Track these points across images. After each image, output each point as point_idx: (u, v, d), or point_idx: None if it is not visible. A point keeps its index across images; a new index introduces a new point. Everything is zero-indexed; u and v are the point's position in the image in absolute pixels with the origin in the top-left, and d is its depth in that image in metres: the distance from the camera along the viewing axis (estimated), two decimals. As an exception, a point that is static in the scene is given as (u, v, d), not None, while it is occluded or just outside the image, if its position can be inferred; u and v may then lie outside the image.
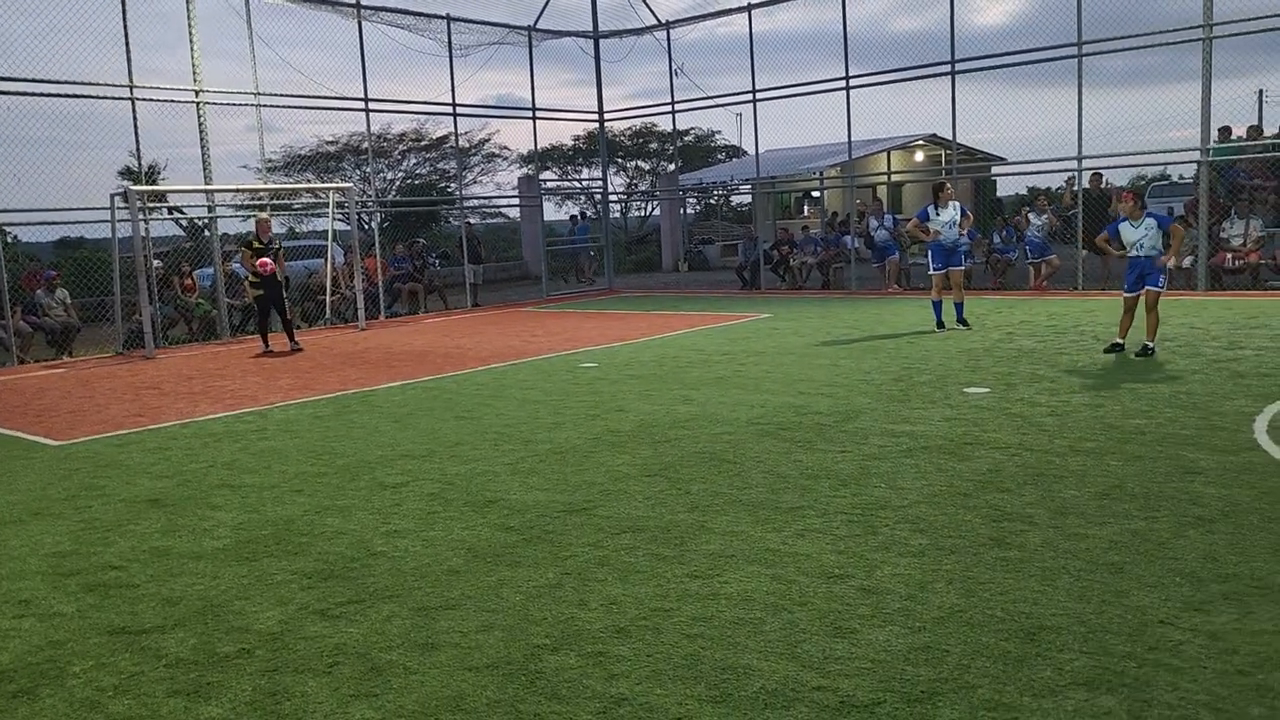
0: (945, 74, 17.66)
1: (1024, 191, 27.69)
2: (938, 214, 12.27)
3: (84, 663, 3.85)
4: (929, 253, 12.51)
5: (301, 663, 3.74)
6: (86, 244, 23.58)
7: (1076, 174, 16.78)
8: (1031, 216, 17.21)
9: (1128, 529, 4.73)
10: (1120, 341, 9.92)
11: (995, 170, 23.83)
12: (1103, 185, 17.04)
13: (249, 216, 20.32)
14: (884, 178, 24.76)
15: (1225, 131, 16.11)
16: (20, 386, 11.88)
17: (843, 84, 19.00)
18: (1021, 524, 4.87)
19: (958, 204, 12.45)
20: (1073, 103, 16.16)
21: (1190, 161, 15.86)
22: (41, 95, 14.48)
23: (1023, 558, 4.42)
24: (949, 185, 12.52)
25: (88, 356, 14.77)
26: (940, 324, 12.39)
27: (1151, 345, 9.64)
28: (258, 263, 13.46)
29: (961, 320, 12.42)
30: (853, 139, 19.32)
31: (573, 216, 29.48)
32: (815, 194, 28.14)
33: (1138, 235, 9.77)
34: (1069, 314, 13.46)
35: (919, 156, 28.64)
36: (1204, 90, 15.02)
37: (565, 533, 5.11)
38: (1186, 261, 15.61)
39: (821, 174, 24.39)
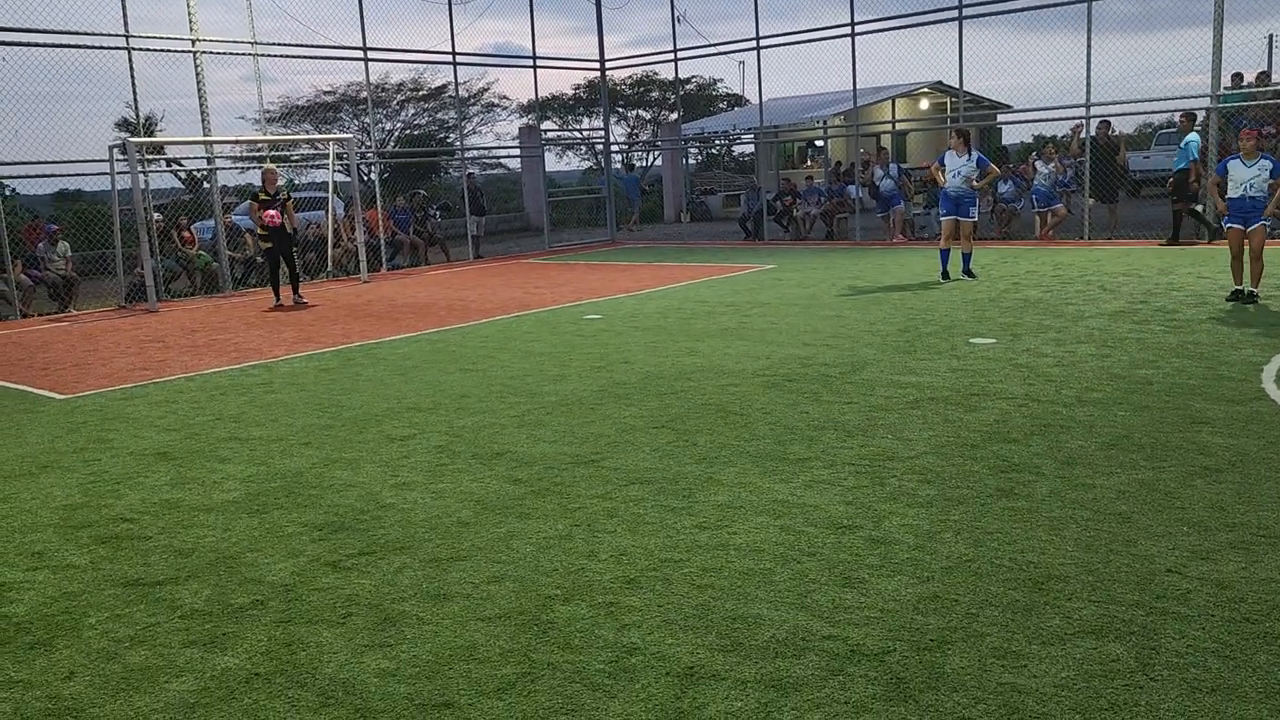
0: (952, 19, 17.41)
1: (1029, 140, 27.45)
2: (951, 161, 12.36)
3: (99, 614, 3.88)
4: (939, 198, 12.69)
5: (314, 613, 3.77)
6: (85, 197, 23.43)
7: (1085, 121, 16.60)
8: (1039, 165, 17.07)
9: (1135, 479, 4.74)
10: (1240, 288, 9.64)
11: (1001, 118, 23.57)
12: (1110, 133, 16.85)
13: (248, 168, 20.21)
14: (889, 126, 24.50)
15: (1237, 78, 15.89)
16: (24, 340, 11.87)
17: (848, 30, 18.73)
18: (1029, 474, 4.89)
19: (975, 155, 12.40)
20: (1081, 49, 15.95)
21: (1200, 108, 15.67)
22: (37, 45, 14.30)
23: (1030, 508, 4.44)
24: (959, 135, 12.49)
25: (90, 310, 14.75)
26: (945, 274, 12.40)
27: (1256, 291, 9.52)
28: (264, 215, 13.30)
29: (968, 271, 12.42)
30: (857, 87, 19.09)
31: (629, 165, 29.71)
32: (819, 143, 27.88)
33: (1249, 175, 9.55)
34: (1075, 264, 13.39)
35: (924, 105, 28.31)
36: (1215, 35, 14.79)
37: (574, 484, 5.13)
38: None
39: (825, 123, 24.14)
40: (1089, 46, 15.85)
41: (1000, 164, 20.07)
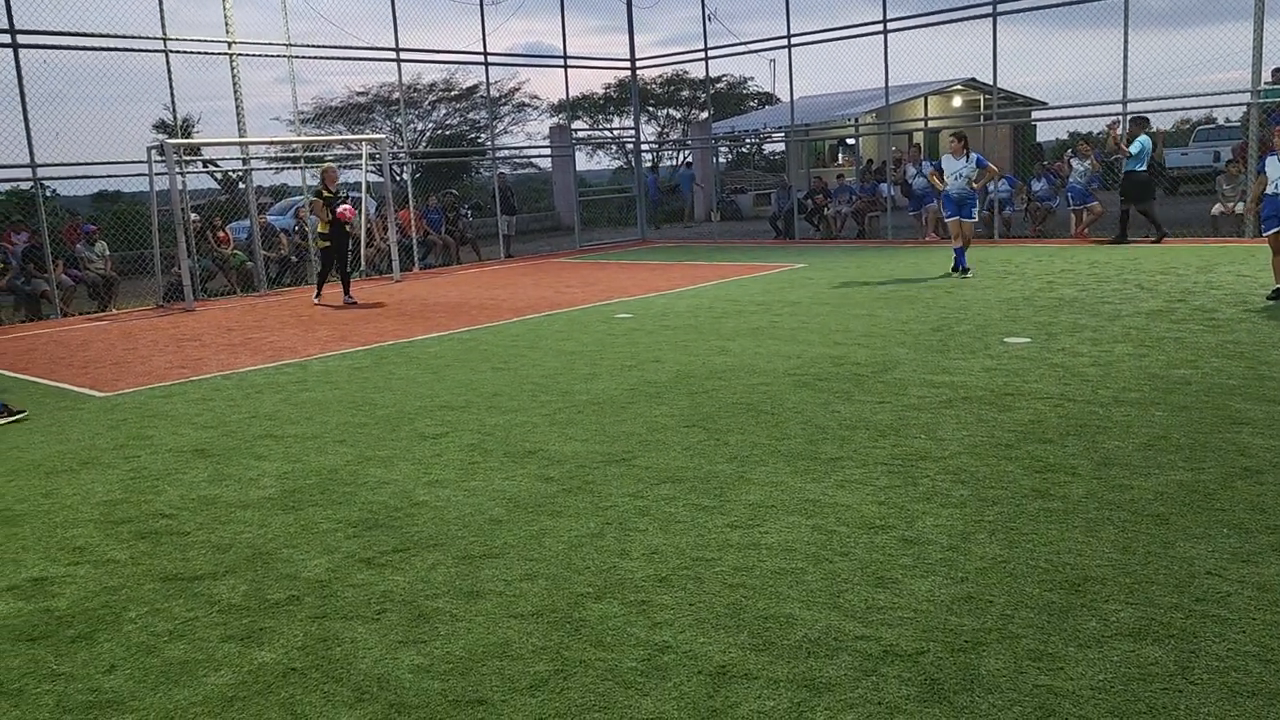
0: (986, 15, 17.24)
1: (1064, 137, 27.15)
2: (950, 165, 12.83)
3: (139, 608, 3.95)
4: (941, 201, 13.38)
5: (349, 609, 3.81)
6: (124, 197, 23.79)
7: (1121, 118, 16.38)
8: (1074, 162, 16.87)
9: (1173, 480, 4.68)
10: None
11: (1036, 115, 23.31)
12: (1149, 130, 16.60)
13: (282, 169, 20.41)
14: (921, 124, 24.32)
15: (1278, 73, 15.62)
16: (65, 339, 12.07)
17: (880, 28, 18.61)
18: (1064, 475, 4.84)
19: (974, 156, 12.74)
20: (1117, 44, 15.74)
21: (1239, 104, 15.41)
22: (78, 49, 14.55)
23: (1066, 509, 4.39)
24: (957, 138, 12.92)
25: (129, 309, 14.97)
26: (955, 267, 12.93)
27: None
28: (338, 210, 13.32)
29: (962, 266, 12.81)
30: (889, 84, 18.96)
31: (688, 163, 30.12)
32: (850, 141, 27.72)
33: None
34: (1111, 262, 13.23)
35: (957, 102, 28.06)
36: (1255, 29, 14.55)
37: (605, 483, 5.14)
38: (1239, 208, 15.28)
39: (857, 121, 24.00)
40: (1125, 41, 15.65)
41: (1034, 161, 19.91)
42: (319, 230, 13.82)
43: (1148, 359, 7.25)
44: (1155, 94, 16.46)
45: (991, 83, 18.07)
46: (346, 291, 13.92)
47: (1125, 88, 15.87)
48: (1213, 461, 4.91)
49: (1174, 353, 7.40)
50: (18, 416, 7.35)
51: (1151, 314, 9.10)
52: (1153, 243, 15.19)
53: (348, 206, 13.42)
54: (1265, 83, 14.97)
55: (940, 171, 13.01)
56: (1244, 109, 15.37)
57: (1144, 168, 15.15)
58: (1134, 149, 15.05)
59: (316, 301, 13.88)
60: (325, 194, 13.42)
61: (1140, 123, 15.41)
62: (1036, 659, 3.14)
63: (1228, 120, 24.67)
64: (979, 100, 26.75)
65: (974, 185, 12.74)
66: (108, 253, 15.78)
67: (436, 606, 3.79)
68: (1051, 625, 3.35)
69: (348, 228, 13.61)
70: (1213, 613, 3.37)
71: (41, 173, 14.29)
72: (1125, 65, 15.73)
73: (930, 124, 23.80)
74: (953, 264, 12.95)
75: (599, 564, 4.10)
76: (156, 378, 8.99)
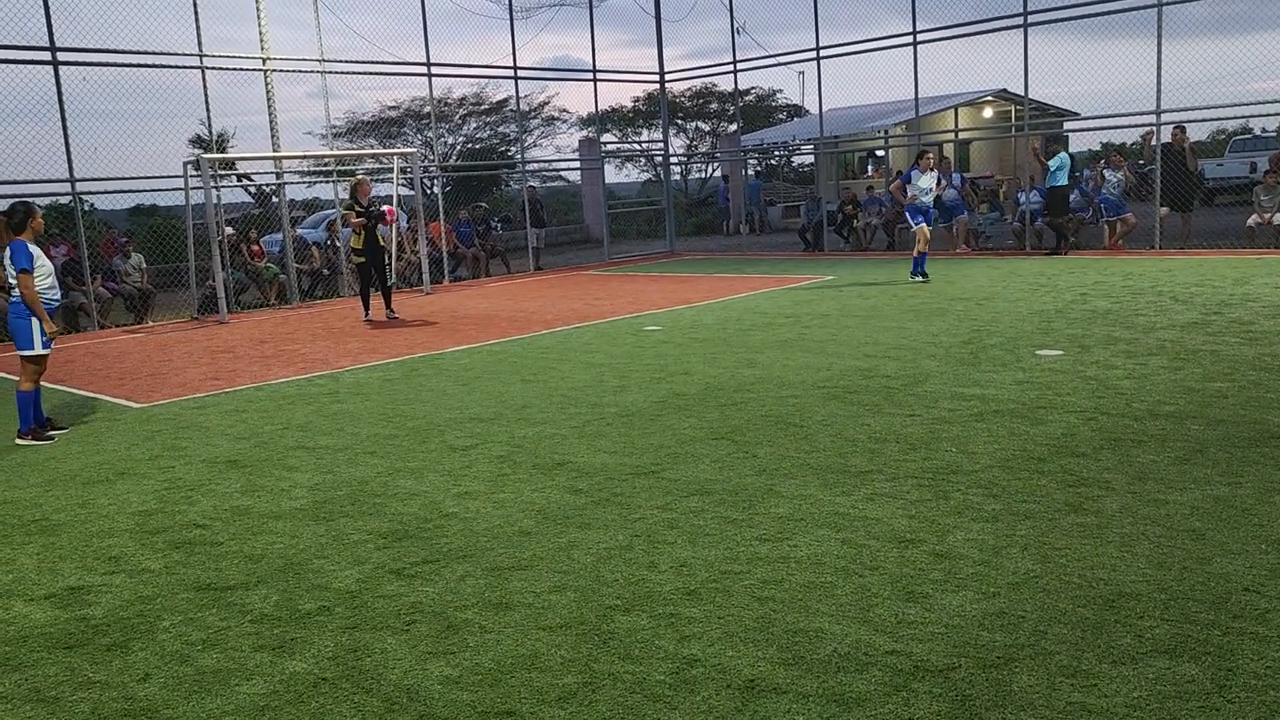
0: (1018, 26, 17.14)
1: (1096, 148, 26.89)
2: (919, 179, 13.74)
3: (173, 617, 3.99)
4: (909, 211, 14.09)
5: (380, 620, 3.83)
6: (159, 211, 24.15)
7: (1155, 128, 16.22)
8: (1107, 173, 16.72)
9: (1210, 495, 4.61)
10: None
11: (1068, 126, 23.14)
12: (1184, 140, 16.45)
13: (315, 182, 20.62)
14: (951, 135, 24.20)
15: (1315, 82, 15.40)
16: (102, 351, 12.26)
17: (910, 39, 18.55)
18: (1098, 489, 4.78)
19: (935, 173, 13.99)
20: (1151, 54, 15.59)
21: (1275, 114, 15.23)
22: (118, 65, 14.82)
23: (1100, 524, 4.34)
24: (929, 154, 14.17)
25: (164, 321, 15.18)
26: (914, 273, 13.85)
27: None
28: (384, 209, 13.33)
29: (922, 271, 13.82)
30: (919, 96, 18.89)
31: (757, 173, 31.09)
32: (880, 153, 27.63)
33: None
34: (1146, 274, 13.08)
35: (988, 113, 27.92)
36: (1292, 39, 14.36)
37: (634, 495, 5.14)
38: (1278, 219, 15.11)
39: (886, 132, 23.92)
40: (1159, 51, 15.50)
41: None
42: (352, 245, 13.48)
43: (1183, 372, 7.15)
44: (1190, 104, 16.26)
45: (1023, 93, 17.96)
46: (388, 306, 13.57)
47: (1159, 98, 15.72)
48: (1250, 476, 4.84)
49: (1210, 366, 7.30)
50: (48, 440, 7.35)
51: (1186, 326, 8.98)
52: (1046, 254, 16.41)
53: (390, 208, 13.50)
54: (1303, 92, 14.77)
55: (906, 184, 13.90)
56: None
57: (1065, 183, 16.18)
58: (1053, 164, 16.05)
59: (367, 319, 13.42)
60: (358, 207, 13.16)
61: (1058, 140, 16.91)
62: (1070, 676, 3.10)
63: (1264, 130, 24.35)
64: (1010, 111, 26.59)
65: (938, 193, 14.08)
66: (144, 265, 16.02)
67: (466, 618, 3.80)
68: (1085, 641, 3.31)
69: (381, 240, 13.39)
70: (1250, 629, 3.32)
71: (80, 187, 14.55)
72: (1159, 75, 15.58)
73: (961, 135, 23.67)
74: (916, 269, 13.84)
75: (628, 576, 4.10)
76: (191, 389, 9.10)
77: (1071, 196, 17.20)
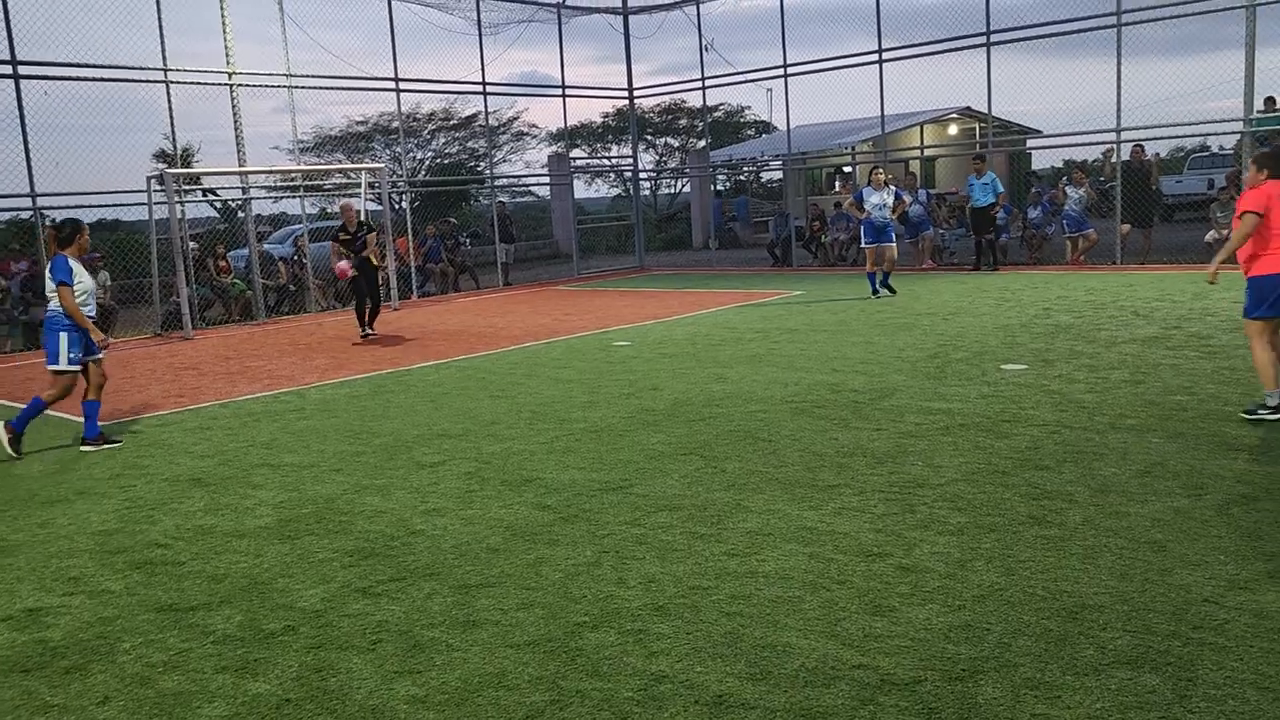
0: (980, 45, 17.40)
1: (1059, 165, 27.30)
2: (871, 196, 13.89)
3: (133, 639, 3.93)
4: (861, 229, 14.24)
5: (345, 640, 3.80)
6: (122, 226, 23.86)
7: (1116, 146, 16.50)
8: (1069, 190, 16.98)
9: (1170, 507, 4.68)
10: None
11: (1031, 143, 23.47)
12: (1144, 157, 16.75)
13: (281, 197, 20.48)
14: (917, 152, 24.47)
15: (1270, 102, 15.76)
16: (63, 368, 12.06)
17: (875, 57, 18.77)
18: (1062, 502, 4.83)
19: (892, 189, 14.11)
20: (1111, 73, 15.88)
21: (1232, 133, 15.53)
22: (80, 80, 14.65)
23: (1063, 536, 4.39)
24: (882, 171, 14.19)
25: (127, 338, 14.97)
26: (875, 291, 13.94)
27: None
28: (336, 269, 12.90)
29: (887, 286, 14.00)
30: (885, 113, 19.10)
31: (739, 187, 30.96)
32: (847, 169, 27.88)
33: None
34: (1107, 289, 13.27)
35: (953, 130, 28.26)
36: (1247, 59, 14.69)
37: (602, 511, 5.14)
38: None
39: (853, 149, 24.15)
40: (1119, 70, 15.78)
41: (1029, 189, 20.07)
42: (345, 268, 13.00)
43: (1144, 385, 7.26)
44: (1149, 122, 16.57)
45: (987, 111, 18.21)
46: (370, 324, 13.18)
47: (1119, 115, 16.00)
48: (1210, 488, 4.91)
49: (1170, 379, 7.42)
50: (113, 444, 7.50)
51: (1147, 341, 9.12)
52: (969, 270, 16.97)
53: (345, 265, 12.72)
54: (1258, 111, 15.10)
55: (861, 202, 14.04)
56: (1237, 137, 15.48)
57: (990, 200, 16.57)
58: (986, 180, 16.55)
59: (365, 335, 12.93)
60: (343, 235, 12.79)
61: (982, 159, 17.14)
62: (1034, 687, 3.12)
63: (1221, 148, 24.83)
64: (974, 128, 26.93)
65: (893, 214, 14.02)
66: (109, 282, 15.81)
67: (432, 636, 3.77)
68: (1049, 653, 3.34)
69: (374, 260, 12.96)
70: (1210, 640, 3.36)
71: (41, 202, 14.35)
72: (1119, 93, 15.86)
73: (926, 152, 23.94)
74: (881, 283, 13.95)
75: (596, 593, 4.09)
76: (153, 407, 8.98)
77: (1080, 209, 17.15)
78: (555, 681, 3.36)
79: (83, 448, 7.43)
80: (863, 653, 3.42)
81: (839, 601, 3.85)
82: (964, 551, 4.27)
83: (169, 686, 3.51)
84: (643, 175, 31.36)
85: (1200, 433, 5.92)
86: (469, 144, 34.34)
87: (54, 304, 7.35)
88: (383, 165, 19.94)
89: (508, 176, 30.32)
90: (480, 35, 19.90)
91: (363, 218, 13.57)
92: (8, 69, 13.80)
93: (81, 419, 7.64)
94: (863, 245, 14.27)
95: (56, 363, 7.36)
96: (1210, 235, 16.08)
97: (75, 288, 7.33)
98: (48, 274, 7.37)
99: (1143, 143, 16.82)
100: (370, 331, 13.19)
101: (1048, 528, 4.50)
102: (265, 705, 3.33)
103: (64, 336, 7.31)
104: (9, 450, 7.25)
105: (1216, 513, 4.57)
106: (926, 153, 23.95)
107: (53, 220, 19.45)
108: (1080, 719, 2.93)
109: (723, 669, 3.37)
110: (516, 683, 3.37)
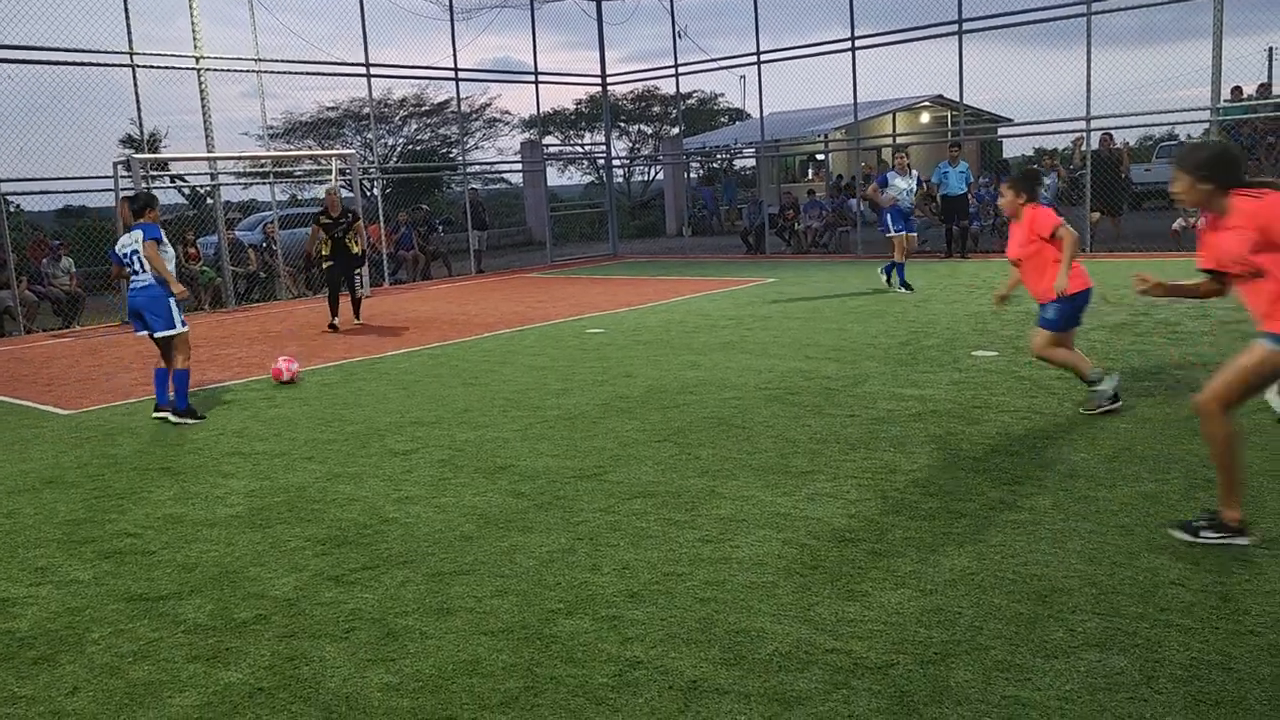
0: (952, 34, 17.47)
1: (1030, 153, 27.50)
2: (897, 180, 13.06)
3: (103, 629, 3.89)
4: (888, 217, 12.99)
5: (318, 628, 3.77)
6: (89, 213, 23.50)
7: (1085, 134, 16.64)
8: (896, 180, 17.11)
9: (1138, 491, 4.74)
10: None
11: (1002, 131, 23.63)
12: (1112, 146, 16.90)
13: (251, 184, 20.25)
14: (889, 140, 24.57)
15: (1237, 91, 15.95)
16: (28, 356, 11.90)
17: (848, 45, 18.80)
18: (1031, 487, 4.89)
19: (914, 173, 13.46)
20: (1081, 62, 16.00)
21: (1200, 121, 15.70)
22: (42, 63, 14.40)
23: (1033, 520, 4.44)
24: (904, 156, 13.57)
25: (94, 325, 14.78)
26: (905, 285, 12.81)
27: None
28: (277, 371, 11.91)
29: (905, 283, 12.88)
30: (858, 101, 19.15)
31: (716, 175, 30.82)
32: (820, 157, 27.95)
33: None
34: (1076, 276, 13.38)
35: (925, 118, 28.41)
36: (1214, 48, 14.84)
37: (576, 498, 5.13)
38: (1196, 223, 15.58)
39: (826, 137, 24.22)
40: (1089, 59, 15.90)
41: (999, 179, 20.23)
42: (321, 252, 12.58)
43: (1112, 372, 7.33)
44: (1118, 110, 16.74)
45: (958, 99, 18.31)
46: (357, 314, 12.87)
47: (1089, 104, 16.12)
48: (1176, 472, 4.98)
49: (1138, 365, 7.50)
50: (200, 420, 7.60)
51: (1115, 328, 9.22)
52: (941, 257, 16.96)
53: (282, 368, 9.76)
54: (1225, 100, 15.27)
55: (884, 186, 13.09)
56: (1205, 126, 15.66)
57: (964, 189, 16.85)
58: (961, 169, 16.69)
59: (332, 325, 12.43)
60: (324, 220, 12.36)
61: (958, 147, 17.36)
62: (1004, 670, 3.16)
63: (1189, 137, 25.10)
64: (946, 116, 27.08)
65: (915, 199, 13.46)
66: (74, 269, 15.58)
67: (406, 624, 3.76)
68: (1019, 636, 3.38)
69: (355, 248, 12.55)
70: (1177, 622, 3.41)
71: (5, 188, 14.11)
72: (1089, 82, 15.99)
73: (899, 140, 24.05)
74: (900, 281, 12.84)
75: (570, 580, 4.09)
76: (122, 395, 8.88)
77: (1050, 196, 17.38)
78: (530, 668, 3.36)
79: (176, 418, 7.57)
80: (836, 637, 3.44)
81: (812, 586, 3.88)
82: (935, 536, 4.31)
83: (139, 676, 3.48)
84: (616, 162, 31.30)
85: (1166, 418, 5.99)
86: (441, 130, 34.13)
87: (144, 276, 7.52)
88: (354, 151, 19.77)
89: (480, 163, 30.15)
90: (452, 20, 19.76)
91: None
92: (-32, 52, 13.54)
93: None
94: (891, 234, 12.90)
95: (174, 326, 7.62)
96: (1178, 223, 16.26)
97: (165, 254, 7.52)
98: (136, 243, 7.47)
99: (1112, 131, 16.97)
100: (359, 321, 12.81)
101: (1018, 512, 4.55)
102: (237, 694, 3.31)
103: (171, 300, 7.54)
104: (196, 418, 7.54)
105: (1183, 497, 4.63)
106: (899, 140, 24.05)
107: (16, 207, 19.19)
108: (1050, 701, 2.97)
109: (697, 654, 3.38)
110: (491, 670, 3.37)
